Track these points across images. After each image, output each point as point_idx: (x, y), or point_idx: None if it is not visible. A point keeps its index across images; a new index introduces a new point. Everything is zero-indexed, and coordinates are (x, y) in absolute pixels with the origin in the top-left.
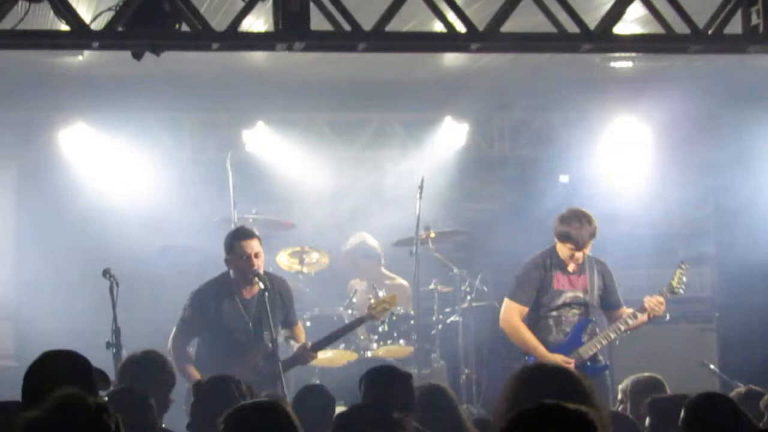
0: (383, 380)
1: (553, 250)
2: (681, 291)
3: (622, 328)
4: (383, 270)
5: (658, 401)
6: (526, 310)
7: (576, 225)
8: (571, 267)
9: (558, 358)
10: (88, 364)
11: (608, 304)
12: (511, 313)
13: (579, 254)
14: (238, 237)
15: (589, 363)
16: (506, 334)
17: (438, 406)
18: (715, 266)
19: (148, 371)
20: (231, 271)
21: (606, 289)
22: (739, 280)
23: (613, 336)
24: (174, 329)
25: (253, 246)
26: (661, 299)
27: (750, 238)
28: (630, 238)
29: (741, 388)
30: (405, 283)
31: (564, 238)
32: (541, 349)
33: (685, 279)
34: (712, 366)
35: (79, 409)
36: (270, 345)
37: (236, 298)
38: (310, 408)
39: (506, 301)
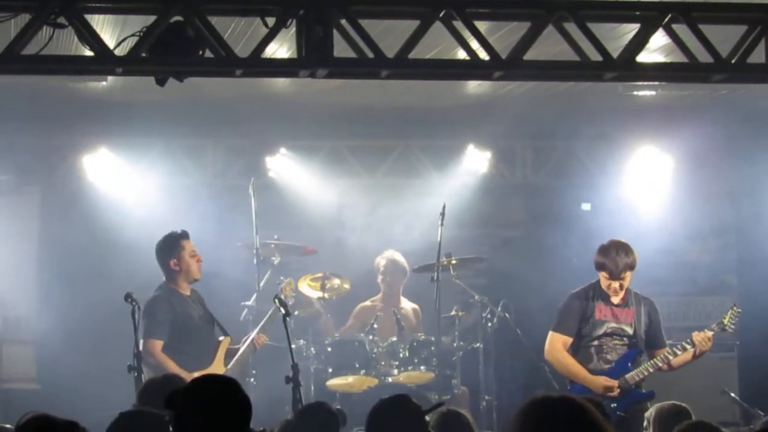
0: (388, 416)
1: (596, 282)
2: (731, 329)
3: (670, 357)
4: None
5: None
6: (570, 340)
7: (612, 255)
8: (614, 299)
9: (601, 380)
10: None
11: (651, 342)
12: (555, 344)
13: (615, 284)
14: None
15: (635, 388)
16: (551, 364)
17: (456, 431)
18: (736, 295)
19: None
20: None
21: (651, 327)
22: (761, 309)
23: (660, 364)
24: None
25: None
26: (709, 335)
27: None
28: (651, 266)
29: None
30: (417, 306)
31: (600, 267)
32: (584, 374)
33: (736, 320)
34: (732, 394)
35: (48, 426)
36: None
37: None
38: (313, 425)
39: (550, 333)
